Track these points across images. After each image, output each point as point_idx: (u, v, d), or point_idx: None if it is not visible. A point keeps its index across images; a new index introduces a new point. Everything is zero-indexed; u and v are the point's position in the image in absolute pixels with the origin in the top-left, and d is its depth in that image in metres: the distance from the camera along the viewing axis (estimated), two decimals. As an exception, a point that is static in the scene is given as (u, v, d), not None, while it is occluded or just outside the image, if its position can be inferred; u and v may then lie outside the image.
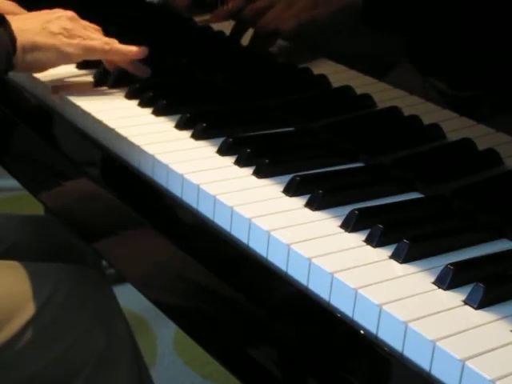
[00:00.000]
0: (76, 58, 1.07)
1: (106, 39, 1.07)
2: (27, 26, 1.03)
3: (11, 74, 1.15)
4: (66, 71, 1.14)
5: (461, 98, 0.93)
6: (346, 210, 0.80)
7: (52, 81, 1.10)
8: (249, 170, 0.89)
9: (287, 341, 0.73)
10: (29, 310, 1.03)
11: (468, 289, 0.69)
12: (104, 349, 1.08)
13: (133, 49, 1.08)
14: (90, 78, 1.13)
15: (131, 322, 1.17)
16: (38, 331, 1.03)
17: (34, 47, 1.02)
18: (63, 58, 1.05)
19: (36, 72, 1.10)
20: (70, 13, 1.08)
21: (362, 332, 0.68)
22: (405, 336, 0.65)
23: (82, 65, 1.15)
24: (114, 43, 1.07)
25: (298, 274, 0.74)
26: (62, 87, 1.09)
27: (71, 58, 1.06)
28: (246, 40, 1.17)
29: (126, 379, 1.11)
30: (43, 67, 1.07)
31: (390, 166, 0.90)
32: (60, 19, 1.05)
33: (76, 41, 1.05)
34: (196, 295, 0.85)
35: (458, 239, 0.78)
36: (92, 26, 1.10)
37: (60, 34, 1.04)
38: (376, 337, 0.67)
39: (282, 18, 1.08)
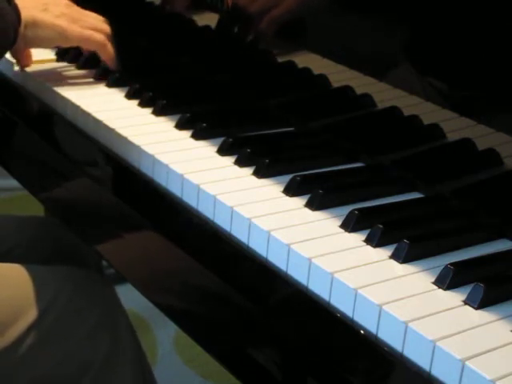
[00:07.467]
0: (72, 41, 1.08)
1: (103, 33, 1.09)
2: (28, 4, 1.04)
3: (11, 75, 1.15)
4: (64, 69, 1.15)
5: (461, 97, 0.93)
6: (346, 209, 0.80)
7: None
8: (249, 170, 0.89)
9: (287, 341, 0.73)
10: (31, 314, 1.02)
11: (468, 289, 0.69)
12: (108, 351, 1.07)
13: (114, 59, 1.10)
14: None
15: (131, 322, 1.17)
16: (40, 335, 1.03)
17: (35, 24, 1.04)
18: (60, 38, 1.06)
19: (31, 48, 1.12)
20: (65, 1, 1.10)
21: (362, 332, 0.68)
22: (405, 336, 0.65)
23: (82, 64, 1.15)
24: (108, 44, 1.09)
25: (297, 273, 0.74)
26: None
27: (67, 40, 1.07)
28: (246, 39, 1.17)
29: (130, 380, 1.10)
30: (39, 45, 1.09)
31: (390, 166, 0.90)
32: (59, 5, 1.07)
33: (76, 26, 1.06)
34: (196, 295, 0.85)
35: (458, 239, 0.78)
36: (91, 14, 1.11)
37: (61, 16, 1.06)
38: (376, 337, 0.67)
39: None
